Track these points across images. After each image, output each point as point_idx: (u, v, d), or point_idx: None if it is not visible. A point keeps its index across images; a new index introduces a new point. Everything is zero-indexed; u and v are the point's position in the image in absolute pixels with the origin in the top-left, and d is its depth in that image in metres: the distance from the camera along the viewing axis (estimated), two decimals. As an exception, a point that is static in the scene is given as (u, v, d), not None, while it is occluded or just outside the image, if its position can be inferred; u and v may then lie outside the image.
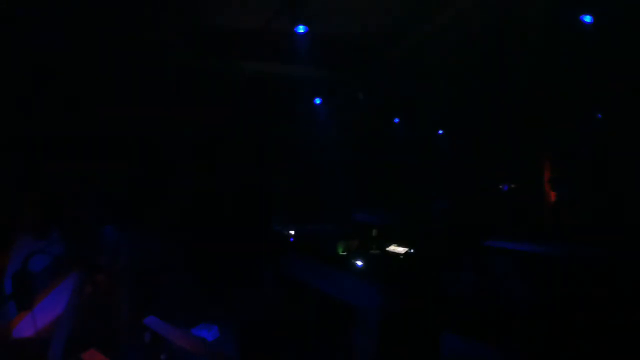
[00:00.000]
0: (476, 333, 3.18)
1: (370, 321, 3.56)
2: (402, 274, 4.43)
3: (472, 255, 4.02)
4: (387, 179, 6.56)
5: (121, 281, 4.08)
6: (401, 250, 4.95)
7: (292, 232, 5.92)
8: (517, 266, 3.59)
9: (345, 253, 5.19)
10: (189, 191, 5.71)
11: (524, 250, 3.82)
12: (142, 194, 5.08)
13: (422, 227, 5.22)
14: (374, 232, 5.61)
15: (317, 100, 6.46)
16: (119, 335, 3.70)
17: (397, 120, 6.78)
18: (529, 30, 4.49)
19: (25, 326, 3.64)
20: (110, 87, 5.00)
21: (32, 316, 3.62)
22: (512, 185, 5.22)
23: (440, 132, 6.79)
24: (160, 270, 4.67)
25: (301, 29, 4.51)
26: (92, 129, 4.95)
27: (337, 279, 4.25)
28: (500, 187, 5.17)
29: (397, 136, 6.72)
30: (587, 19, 3.79)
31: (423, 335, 3.37)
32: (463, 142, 5.90)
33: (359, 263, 4.62)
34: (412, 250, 4.89)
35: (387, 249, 5.08)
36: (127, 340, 3.59)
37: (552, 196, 5.02)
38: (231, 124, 6.22)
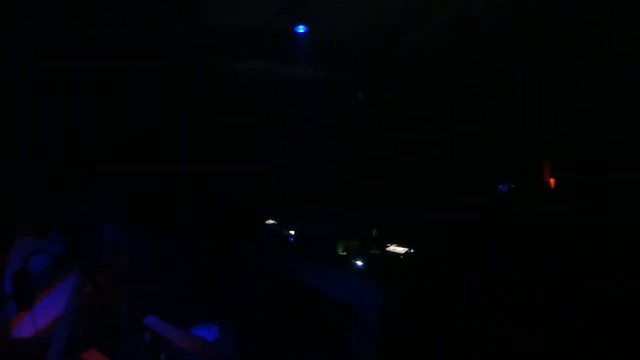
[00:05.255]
0: (477, 332, 3.18)
1: (370, 321, 3.56)
2: (402, 274, 4.43)
3: (471, 255, 4.01)
4: (388, 178, 6.56)
5: (121, 281, 4.08)
6: (401, 250, 4.95)
7: (292, 232, 5.92)
8: (517, 265, 3.59)
9: (345, 253, 5.19)
10: (188, 191, 5.72)
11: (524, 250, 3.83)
12: (142, 194, 5.08)
13: (422, 227, 5.22)
14: (374, 232, 5.61)
15: (317, 101, 6.46)
16: (119, 335, 3.70)
17: (396, 120, 6.79)
18: (529, 29, 4.49)
19: (25, 326, 3.64)
20: (110, 87, 5.01)
21: (32, 316, 3.62)
22: (512, 185, 5.21)
23: (440, 132, 6.80)
24: (160, 270, 4.67)
25: (301, 29, 4.51)
26: (92, 128, 4.95)
27: (337, 279, 4.25)
28: (500, 187, 5.17)
29: (397, 136, 6.72)
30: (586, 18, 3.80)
31: (423, 335, 3.37)
32: (463, 142, 5.90)
33: (359, 263, 4.62)
34: (412, 250, 4.88)
35: (387, 249, 5.08)
36: (127, 340, 3.59)
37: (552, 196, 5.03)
38: (231, 124, 6.23)
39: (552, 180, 4.77)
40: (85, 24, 4.34)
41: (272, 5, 4.46)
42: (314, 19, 4.42)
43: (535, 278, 3.34)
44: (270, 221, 6.33)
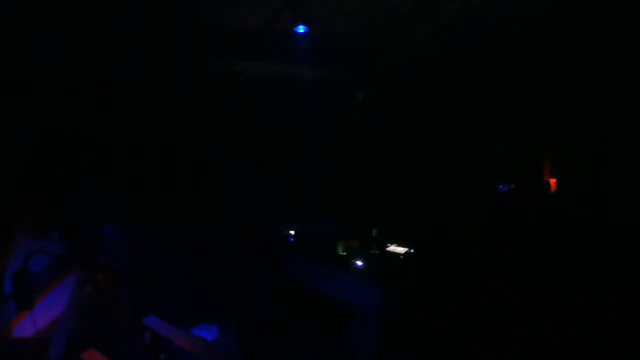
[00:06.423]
0: (477, 333, 3.18)
1: (370, 321, 3.56)
2: (402, 274, 4.43)
3: (471, 255, 4.01)
4: (387, 179, 6.56)
5: (121, 281, 4.08)
6: (401, 250, 4.95)
7: (292, 232, 5.92)
8: (517, 265, 3.59)
9: (345, 253, 5.19)
10: (189, 191, 5.72)
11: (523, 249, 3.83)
12: (142, 194, 5.08)
13: (422, 227, 5.22)
14: (374, 232, 5.62)
15: (317, 101, 6.46)
16: (119, 335, 3.70)
17: (396, 120, 6.79)
18: (530, 29, 4.49)
19: (25, 326, 3.64)
20: (110, 87, 5.01)
21: (32, 316, 3.62)
22: (512, 185, 5.21)
23: (440, 132, 6.79)
24: (160, 270, 4.67)
25: (301, 29, 4.51)
26: (92, 128, 4.95)
27: (337, 279, 4.25)
28: (500, 187, 5.17)
29: (397, 136, 6.72)
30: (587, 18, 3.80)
31: (423, 335, 3.37)
32: (463, 142, 5.90)
33: (359, 263, 4.62)
34: (412, 250, 4.89)
35: (387, 249, 5.08)
36: (127, 340, 3.59)
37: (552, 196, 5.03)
38: (231, 124, 6.23)
39: (552, 180, 4.77)
40: (85, 24, 4.34)
41: (272, 5, 4.46)
42: (314, 19, 4.42)
43: (534, 278, 3.34)
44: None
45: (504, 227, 4.18)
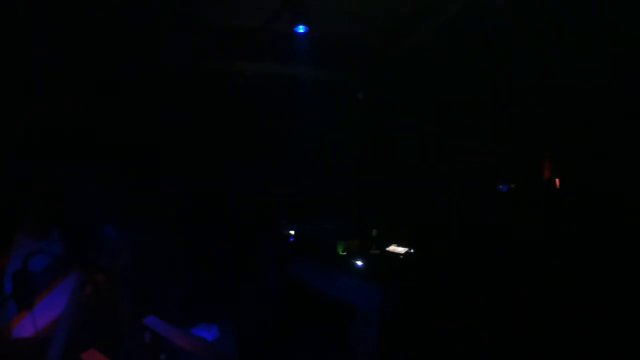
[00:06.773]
0: (476, 332, 3.19)
1: (370, 321, 3.56)
2: (402, 274, 4.43)
3: (471, 255, 4.01)
4: (387, 179, 6.56)
5: (121, 281, 4.08)
6: (401, 250, 4.95)
7: (292, 232, 5.92)
8: (517, 265, 3.59)
9: (345, 253, 5.20)
10: (189, 191, 5.72)
11: (523, 248, 3.83)
12: (142, 194, 5.08)
13: (422, 227, 5.22)
14: (374, 232, 5.62)
15: (317, 101, 6.46)
16: (119, 335, 3.70)
17: (396, 120, 6.79)
18: (531, 30, 4.49)
19: (25, 326, 3.63)
20: (110, 87, 5.01)
21: (32, 316, 3.62)
22: (512, 185, 5.22)
23: (440, 132, 6.79)
24: (160, 271, 4.67)
25: (301, 29, 4.51)
26: (92, 128, 4.95)
27: (337, 279, 4.25)
28: (500, 187, 5.17)
29: (397, 136, 6.72)
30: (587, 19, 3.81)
31: (423, 335, 3.37)
32: (463, 142, 5.90)
33: (359, 263, 4.62)
34: (412, 250, 4.89)
35: (387, 249, 5.09)
36: (127, 340, 3.59)
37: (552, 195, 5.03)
38: (231, 124, 6.23)
39: (549, 178, 4.77)
40: (85, 24, 4.34)
41: (272, 5, 4.46)
42: (314, 19, 4.42)
43: (534, 278, 3.34)
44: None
45: (504, 227, 4.18)
